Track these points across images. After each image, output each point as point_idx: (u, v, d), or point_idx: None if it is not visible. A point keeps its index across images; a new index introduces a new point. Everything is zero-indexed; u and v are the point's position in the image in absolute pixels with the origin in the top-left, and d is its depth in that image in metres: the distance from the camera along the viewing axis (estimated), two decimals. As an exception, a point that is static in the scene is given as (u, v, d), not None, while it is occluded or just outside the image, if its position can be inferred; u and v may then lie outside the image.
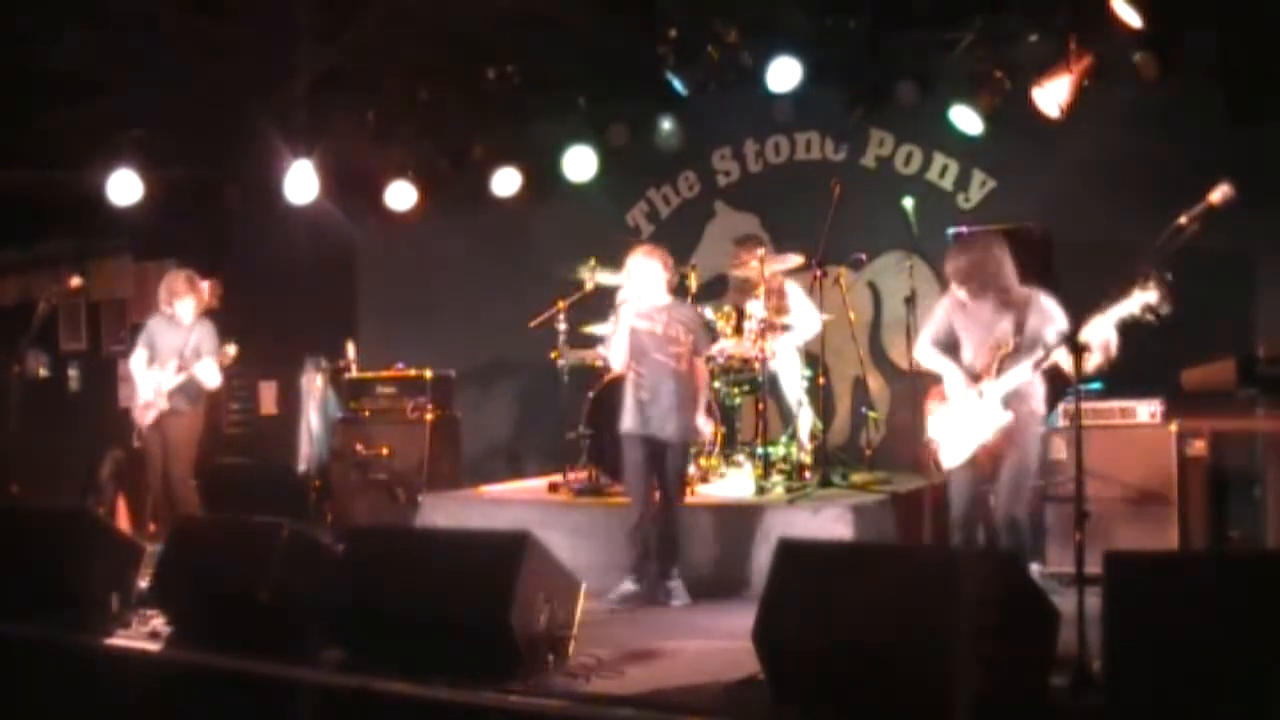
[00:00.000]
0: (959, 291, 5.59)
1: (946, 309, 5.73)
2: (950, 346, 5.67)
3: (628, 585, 6.28)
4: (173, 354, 7.91)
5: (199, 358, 7.86)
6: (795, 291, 7.85)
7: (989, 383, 5.42)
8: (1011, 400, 5.40)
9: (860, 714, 3.99)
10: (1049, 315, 5.37)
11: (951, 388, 5.59)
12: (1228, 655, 3.47)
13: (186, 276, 8.13)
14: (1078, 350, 4.84)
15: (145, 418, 8.00)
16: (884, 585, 4.10)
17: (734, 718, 4.35)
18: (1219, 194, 4.75)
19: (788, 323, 7.74)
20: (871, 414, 8.32)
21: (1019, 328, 5.39)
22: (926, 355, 5.75)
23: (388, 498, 8.53)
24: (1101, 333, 4.96)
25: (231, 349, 7.92)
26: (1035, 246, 6.77)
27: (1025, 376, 5.35)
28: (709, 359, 7.54)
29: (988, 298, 5.51)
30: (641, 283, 6.55)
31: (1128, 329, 5.01)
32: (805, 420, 7.87)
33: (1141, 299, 4.79)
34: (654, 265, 6.55)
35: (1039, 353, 5.29)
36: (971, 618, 3.80)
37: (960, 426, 5.52)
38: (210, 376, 7.89)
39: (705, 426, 6.71)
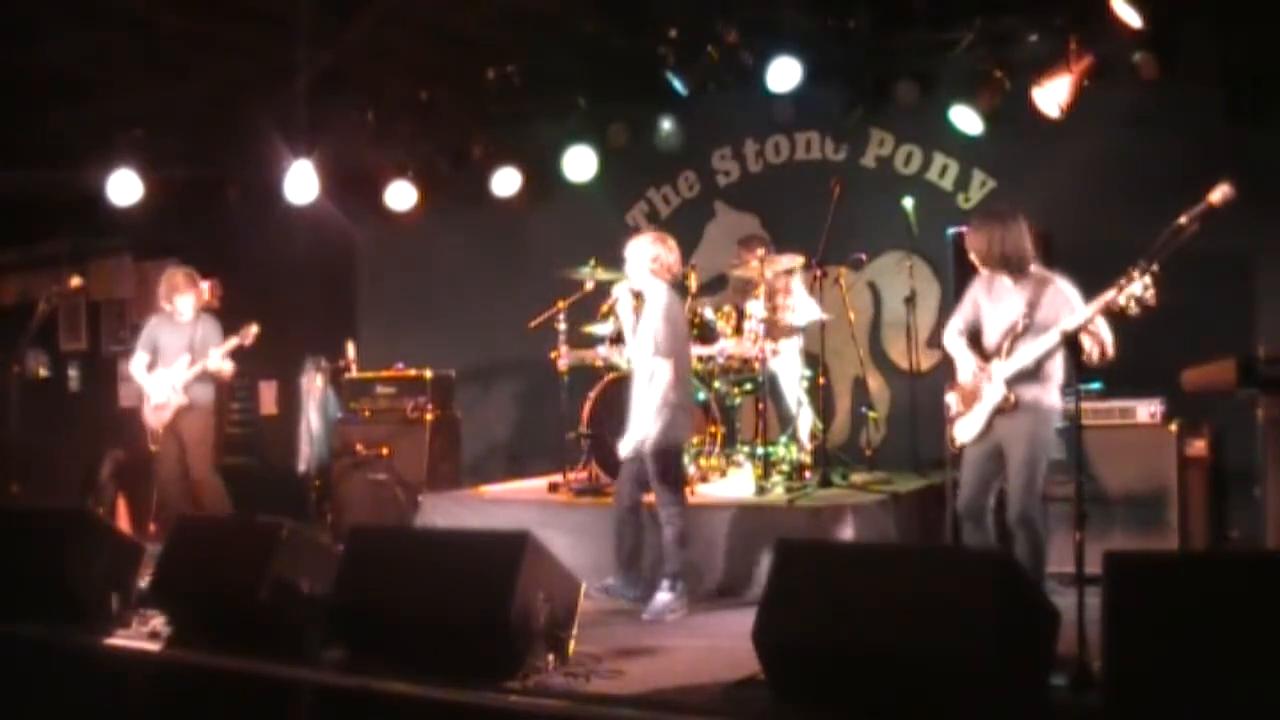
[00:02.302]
0: (983, 270, 5.58)
1: (973, 292, 5.68)
2: (975, 333, 5.64)
3: (608, 579, 6.23)
4: (180, 351, 7.92)
5: (206, 352, 7.89)
6: (799, 290, 7.86)
7: (998, 363, 5.41)
8: (1018, 383, 5.35)
9: (860, 714, 3.99)
10: (1066, 300, 5.30)
11: (964, 372, 5.58)
12: (1228, 655, 3.47)
13: (185, 273, 8.14)
14: (1076, 348, 4.84)
15: (159, 418, 7.97)
16: (884, 585, 4.09)
17: (734, 718, 4.35)
18: (1219, 194, 4.74)
19: (792, 321, 7.75)
20: (871, 414, 8.32)
21: (1031, 308, 5.34)
22: (951, 342, 5.70)
23: (388, 498, 8.52)
24: (1090, 322, 4.97)
25: (254, 328, 7.94)
26: (1035, 246, 6.76)
27: (1031, 358, 5.32)
28: (708, 359, 7.56)
29: (1006, 276, 5.48)
30: (628, 268, 6.25)
31: (1121, 323, 5.00)
32: (805, 420, 7.88)
33: (1128, 290, 4.78)
34: (640, 247, 6.17)
35: (1045, 341, 5.27)
36: (971, 618, 3.80)
37: (971, 406, 5.52)
38: (224, 364, 7.94)
39: (625, 442, 6.17)
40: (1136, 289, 4.75)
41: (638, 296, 6.30)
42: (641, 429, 6.08)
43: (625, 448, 6.15)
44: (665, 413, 6.05)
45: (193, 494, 7.91)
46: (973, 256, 5.61)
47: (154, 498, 8.23)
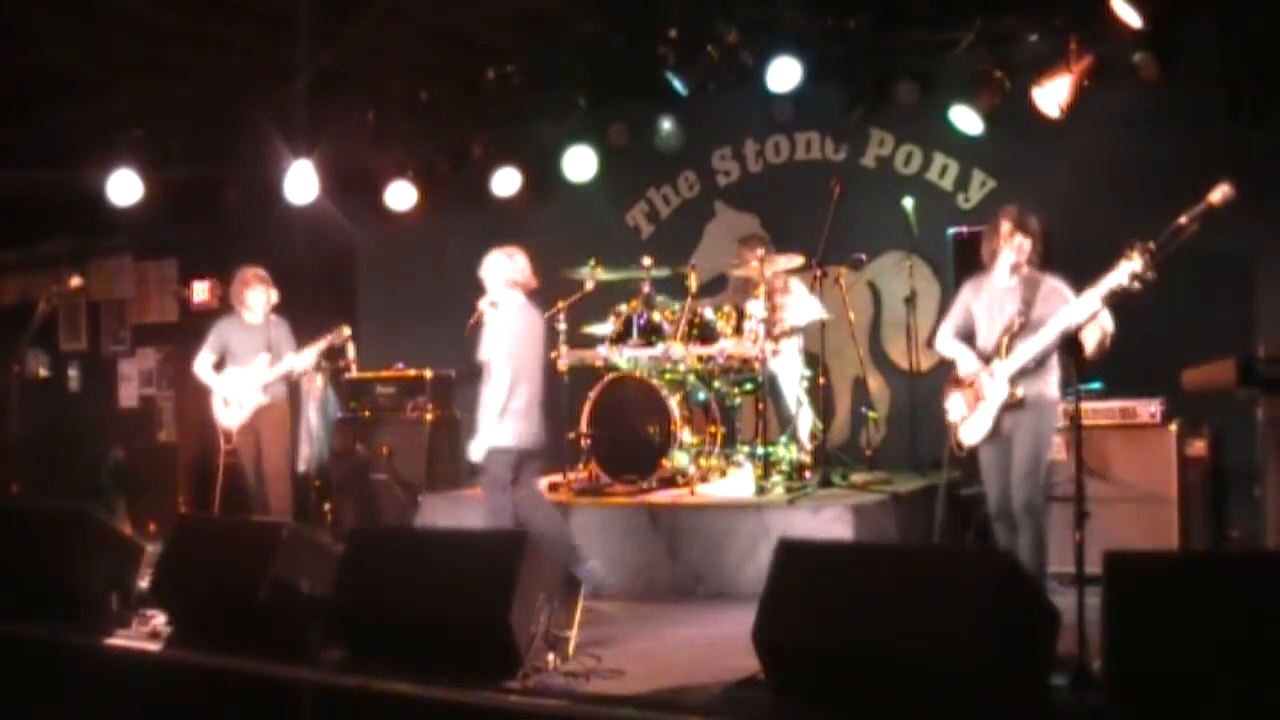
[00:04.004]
0: (1007, 250, 5.49)
1: (964, 295, 5.70)
2: (969, 334, 5.65)
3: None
4: (257, 350, 7.81)
5: (283, 351, 7.83)
6: (798, 289, 7.86)
7: (999, 363, 5.42)
8: (1021, 380, 5.37)
9: (860, 714, 3.99)
10: (1061, 295, 5.33)
11: (965, 371, 5.58)
12: (1228, 655, 3.47)
13: (256, 273, 8.01)
14: (1076, 348, 4.84)
15: (236, 418, 7.81)
16: (884, 585, 4.10)
17: (734, 718, 4.35)
18: (1219, 194, 4.75)
19: (790, 321, 7.74)
20: (871, 414, 8.32)
21: (1026, 305, 5.37)
22: (945, 344, 5.72)
23: (388, 498, 8.52)
24: (1093, 307, 4.98)
25: (346, 330, 7.89)
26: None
27: (1031, 354, 5.33)
28: (708, 359, 7.56)
29: (1009, 274, 5.48)
30: (486, 284, 6.56)
31: (1120, 311, 4.99)
32: (805, 420, 7.87)
33: (1128, 268, 4.81)
34: (492, 263, 6.52)
35: (1044, 337, 5.27)
36: (971, 618, 3.80)
37: (975, 407, 5.52)
38: (311, 362, 7.90)
39: (475, 446, 6.39)
40: (1136, 265, 4.77)
41: (496, 308, 6.56)
42: (485, 432, 6.32)
43: (475, 452, 6.36)
44: (505, 417, 6.30)
45: (261, 497, 7.74)
46: (1019, 249, 5.47)
47: (217, 497, 7.88)
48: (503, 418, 6.31)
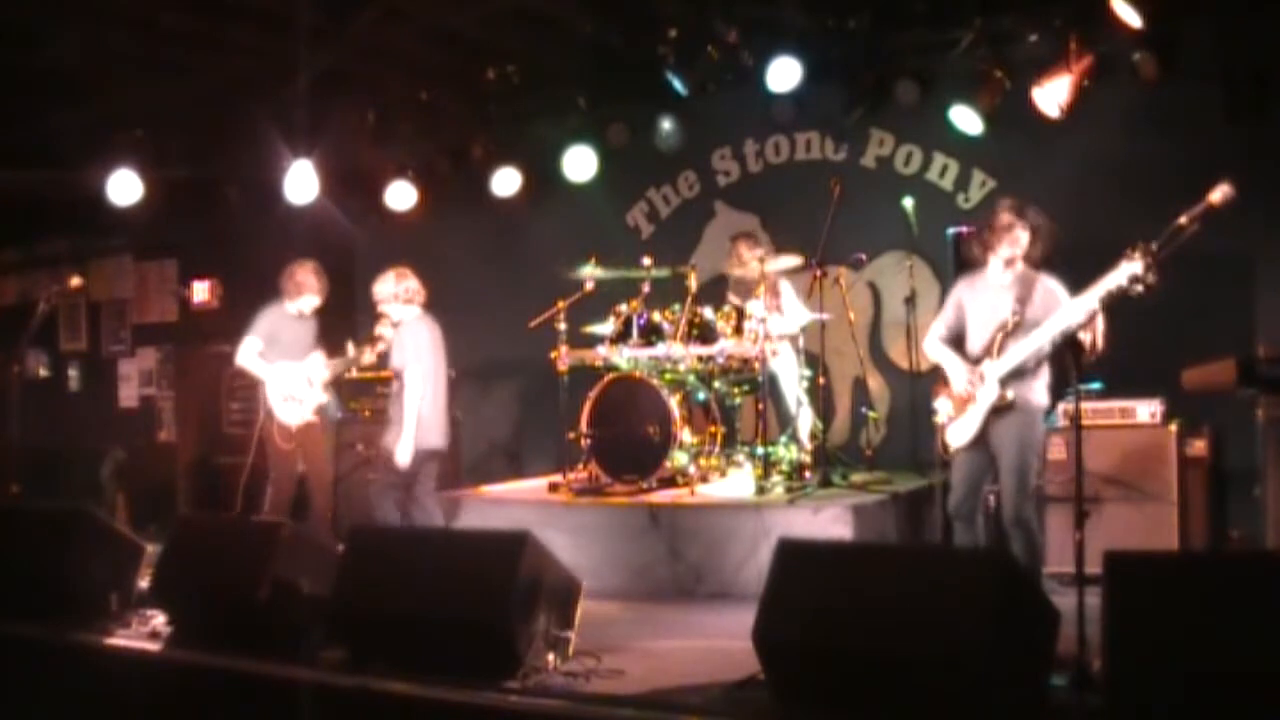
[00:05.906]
0: (1005, 244, 5.45)
1: (955, 296, 5.68)
2: (959, 337, 5.62)
3: None
4: (305, 345, 7.54)
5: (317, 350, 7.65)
6: (787, 290, 7.87)
7: (989, 363, 5.40)
8: (1011, 381, 5.35)
9: (860, 714, 3.99)
10: (1055, 298, 5.31)
11: (954, 376, 5.56)
12: (1228, 655, 3.47)
13: (316, 267, 7.65)
14: (1076, 348, 4.83)
15: (299, 415, 7.47)
16: (884, 585, 4.10)
17: (734, 718, 4.35)
18: (1219, 194, 4.74)
19: (777, 319, 7.74)
20: (871, 414, 8.33)
21: (1021, 304, 5.34)
22: (934, 349, 5.69)
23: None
24: (1090, 308, 4.95)
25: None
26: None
27: (1024, 355, 5.31)
28: (708, 359, 7.57)
29: (1003, 269, 5.46)
30: (382, 306, 7.07)
31: (1122, 323, 4.99)
32: (805, 420, 7.88)
33: (1128, 269, 4.78)
34: (384, 287, 7.04)
35: (1038, 338, 5.25)
36: (971, 618, 3.80)
37: (964, 410, 5.50)
38: (371, 360, 7.70)
39: (401, 450, 6.79)
40: (1137, 268, 4.75)
41: (396, 325, 7.08)
42: (404, 436, 6.77)
43: (402, 455, 6.77)
44: (416, 421, 6.78)
45: (314, 505, 7.51)
46: (1015, 241, 5.44)
47: (268, 498, 7.46)
48: (416, 420, 6.79)
